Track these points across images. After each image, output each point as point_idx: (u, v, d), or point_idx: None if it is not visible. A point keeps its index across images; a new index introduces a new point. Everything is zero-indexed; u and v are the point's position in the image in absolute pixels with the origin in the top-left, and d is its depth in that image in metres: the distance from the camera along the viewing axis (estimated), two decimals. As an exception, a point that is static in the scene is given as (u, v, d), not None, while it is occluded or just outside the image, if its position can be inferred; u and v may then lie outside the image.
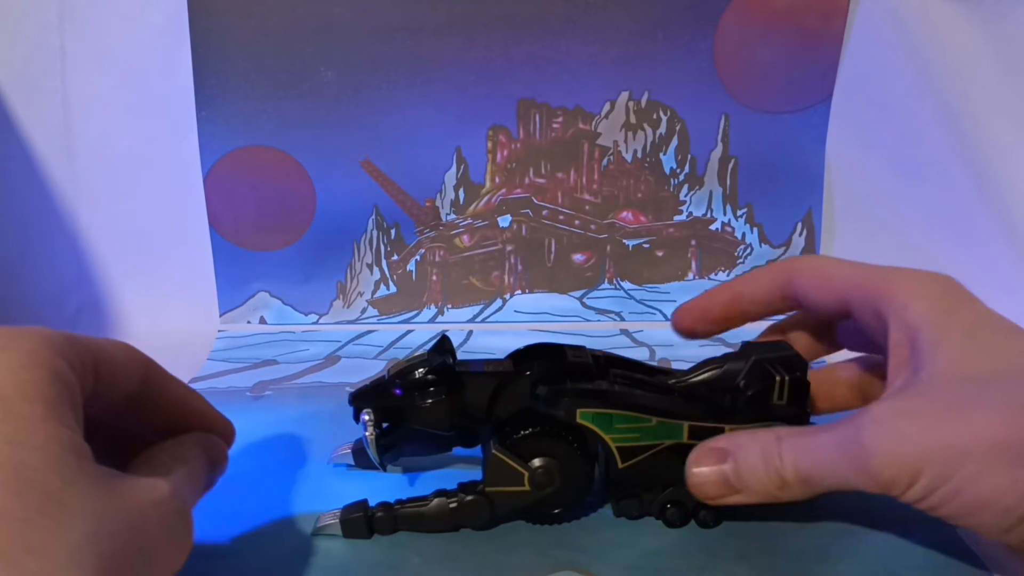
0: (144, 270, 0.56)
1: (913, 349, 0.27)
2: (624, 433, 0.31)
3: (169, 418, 0.28)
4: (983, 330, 0.27)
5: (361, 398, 0.32)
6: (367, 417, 0.31)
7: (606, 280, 0.59)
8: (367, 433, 0.31)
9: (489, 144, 0.56)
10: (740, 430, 0.30)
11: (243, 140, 0.54)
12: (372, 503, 0.32)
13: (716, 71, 0.55)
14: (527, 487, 0.31)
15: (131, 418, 0.28)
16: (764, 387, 0.31)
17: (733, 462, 0.28)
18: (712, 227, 0.58)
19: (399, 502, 0.31)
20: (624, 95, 0.56)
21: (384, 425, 0.32)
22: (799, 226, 0.58)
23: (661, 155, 0.57)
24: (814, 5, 0.53)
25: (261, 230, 0.56)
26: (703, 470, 0.29)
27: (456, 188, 0.57)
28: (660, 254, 0.59)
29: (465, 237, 0.58)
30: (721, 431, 0.30)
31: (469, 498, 0.31)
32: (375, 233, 0.57)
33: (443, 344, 0.33)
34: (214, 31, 0.52)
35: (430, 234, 0.58)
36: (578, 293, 0.59)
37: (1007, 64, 0.50)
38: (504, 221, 0.58)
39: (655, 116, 0.56)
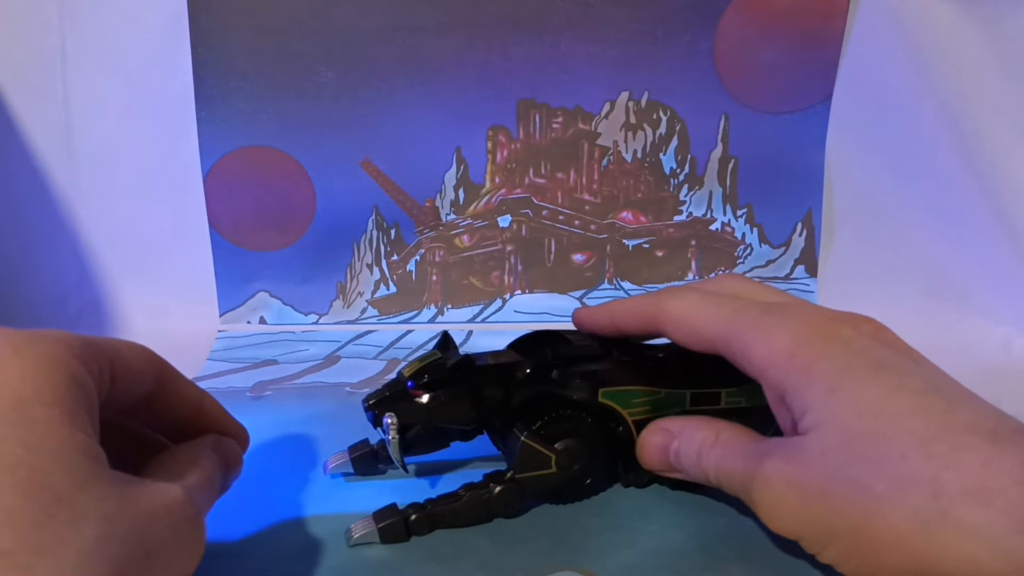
0: (144, 270, 0.56)
1: (784, 404, 0.27)
2: (639, 407, 0.33)
3: (183, 419, 0.28)
4: (842, 384, 0.25)
5: (383, 403, 0.31)
6: (391, 421, 0.31)
7: (606, 280, 0.59)
8: (391, 437, 0.31)
9: (489, 144, 0.56)
10: (734, 394, 0.33)
11: (243, 140, 0.54)
12: (385, 505, 0.32)
13: (716, 71, 0.55)
14: (554, 469, 0.32)
15: (145, 419, 0.28)
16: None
17: (676, 445, 0.31)
18: (712, 227, 0.58)
19: (429, 501, 0.31)
20: (624, 95, 0.56)
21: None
22: (799, 226, 0.58)
23: (661, 155, 0.57)
24: (814, 5, 0.53)
25: (261, 230, 0.56)
26: (653, 441, 0.32)
27: (456, 188, 0.57)
28: (660, 254, 0.59)
29: (465, 237, 0.58)
30: (717, 395, 0.33)
31: (500, 488, 0.31)
32: (375, 233, 0.57)
33: (447, 341, 0.33)
34: (214, 31, 0.52)
35: (430, 234, 0.58)
36: (578, 293, 0.59)
37: (1007, 64, 0.50)
38: (504, 221, 0.58)
39: (655, 116, 0.56)
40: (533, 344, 0.34)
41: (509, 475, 0.32)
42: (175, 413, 0.28)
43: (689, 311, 0.30)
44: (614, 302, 0.34)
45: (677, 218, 0.58)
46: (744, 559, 0.30)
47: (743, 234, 0.58)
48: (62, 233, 0.56)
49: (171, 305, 0.56)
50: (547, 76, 0.55)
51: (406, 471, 0.33)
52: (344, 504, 0.33)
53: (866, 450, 0.24)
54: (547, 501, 0.33)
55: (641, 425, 0.33)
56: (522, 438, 0.31)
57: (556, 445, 0.32)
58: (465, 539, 0.31)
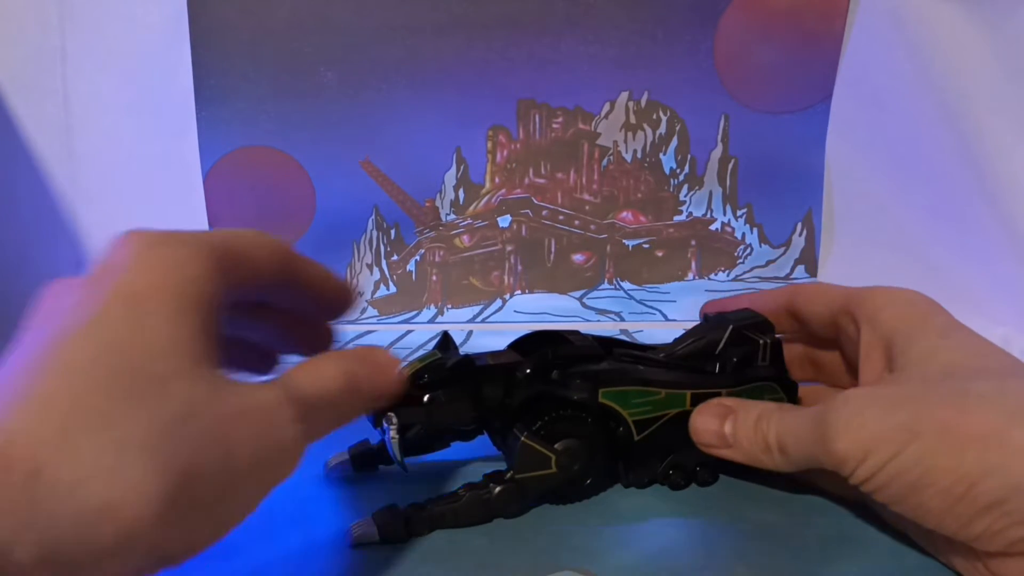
0: (144, 270, 0.56)
1: (887, 349, 0.31)
2: (639, 407, 0.33)
3: (314, 299, 0.29)
4: (954, 332, 0.30)
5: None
6: (391, 421, 0.30)
7: (606, 280, 0.59)
8: (391, 437, 0.31)
9: (489, 144, 0.56)
10: (735, 394, 0.33)
11: (243, 140, 0.54)
12: (384, 505, 0.31)
13: (716, 71, 0.55)
14: (554, 469, 0.32)
15: (279, 305, 0.29)
16: (750, 351, 0.34)
17: (732, 419, 0.31)
18: (712, 227, 0.58)
19: (429, 501, 0.31)
20: (624, 95, 0.56)
21: None
22: (799, 226, 0.58)
23: (661, 155, 0.57)
24: (814, 5, 0.53)
25: (261, 230, 0.56)
26: (707, 419, 0.32)
27: (456, 188, 0.57)
28: (660, 254, 0.59)
29: (465, 237, 0.58)
30: (718, 396, 0.33)
31: (500, 488, 0.31)
32: (375, 233, 0.57)
33: (447, 341, 0.33)
34: (214, 31, 0.52)
35: (430, 234, 0.58)
36: (578, 293, 0.59)
37: (1007, 64, 0.50)
38: (504, 221, 0.58)
39: (655, 116, 0.56)
40: (533, 344, 0.34)
41: (509, 475, 0.32)
42: (304, 291, 0.28)
43: (823, 284, 0.38)
44: (743, 295, 0.37)
45: (677, 218, 0.58)
46: (744, 559, 0.30)
47: (743, 234, 0.58)
48: (62, 233, 0.55)
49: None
50: (547, 76, 0.55)
51: (406, 471, 0.33)
52: (343, 504, 0.33)
53: (971, 370, 0.27)
54: (547, 501, 0.33)
55: (641, 425, 0.33)
56: (522, 438, 0.31)
57: (556, 445, 0.32)
58: (465, 539, 0.31)
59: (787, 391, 0.34)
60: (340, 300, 0.30)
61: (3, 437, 0.18)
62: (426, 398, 0.31)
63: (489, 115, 0.56)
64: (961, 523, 0.25)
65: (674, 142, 0.57)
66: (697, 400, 0.33)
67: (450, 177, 0.57)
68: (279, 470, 0.23)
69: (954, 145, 0.52)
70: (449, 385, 0.31)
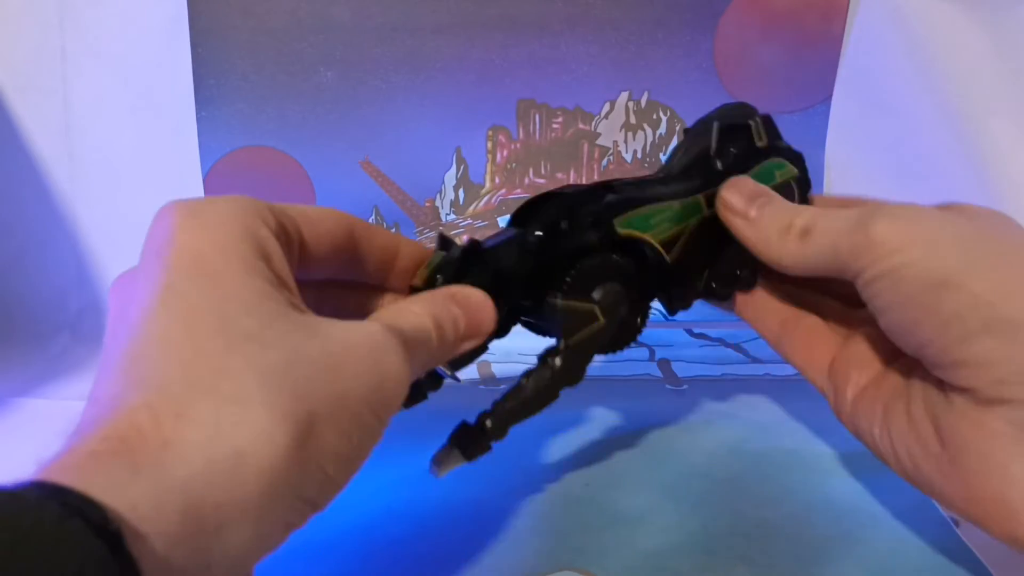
0: (144, 270, 0.56)
1: None
2: (659, 226, 0.31)
3: (385, 267, 0.28)
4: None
5: None
6: None
7: (606, 280, 0.59)
8: None
9: (489, 144, 0.56)
10: None
11: (243, 140, 0.54)
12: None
13: (716, 71, 0.55)
14: (602, 320, 0.30)
15: (351, 275, 0.28)
16: (746, 136, 0.32)
17: (765, 195, 0.30)
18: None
19: (496, 404, 0.30)
20: (624, 95, 0.56)
21: None
22: (799, 226, 0.58)
23: (661, 155, 0.57)
24: (814, 5, 0.53)
25: (261, 230, 0.56)
26: (735, 191, 0.30)
27: (456, 188, 0.57)
28: (660, 254, 0.59)
29: (465, 237, 0.58)
30: None
31: (559, 360, 0.30)
32: (375, 233, 0.57)
33: (445, 241, 0.31)
34: (214, 31, 0.52)
35: (430, 234, 0.58)
36: (578, 293, 0.59)
37: (1007, 64, 0.50)
38: (504, 221, 0.58)
39: (655, 116, 0.56)
40: (531, 213, 0.31)
41: (562, 345, 0.30)
42: (374, 258, 0.28)
43: None
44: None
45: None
46: (744, 559, 0.30)
47: (743, 234, 0.58)
48: (62, 233, 0.55)
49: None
50: (547, 76, 0.55)
51: (458, 380, 0.30)
52: (412, 442, 0.31)
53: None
54: (605, 352, 0.32)
55: (668, 245, 0.31)
56: (559, 303, 0.30)
57: (594, 295, 0.30)
58: (465, 539, 0.31)
59: (792, 159, 0.33)
60: (410, 266, 0.29)
61: (127, 417, 0.18)
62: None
63: (489, 115, 0.56)
64: (962, 336, 0.24)
65: (674, 142, 0.57)
66: (711, 200, 0.32)
67: (450, 177, 0.57)
68: (393, 400, 0.23)
69: (954, 145, 0.52)
70: (465, 275, 0.29)
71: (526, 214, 0.31)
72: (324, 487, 0.21)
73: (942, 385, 0.26)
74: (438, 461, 0.29)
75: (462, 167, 0.57)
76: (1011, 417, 0.24)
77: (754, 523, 0.32)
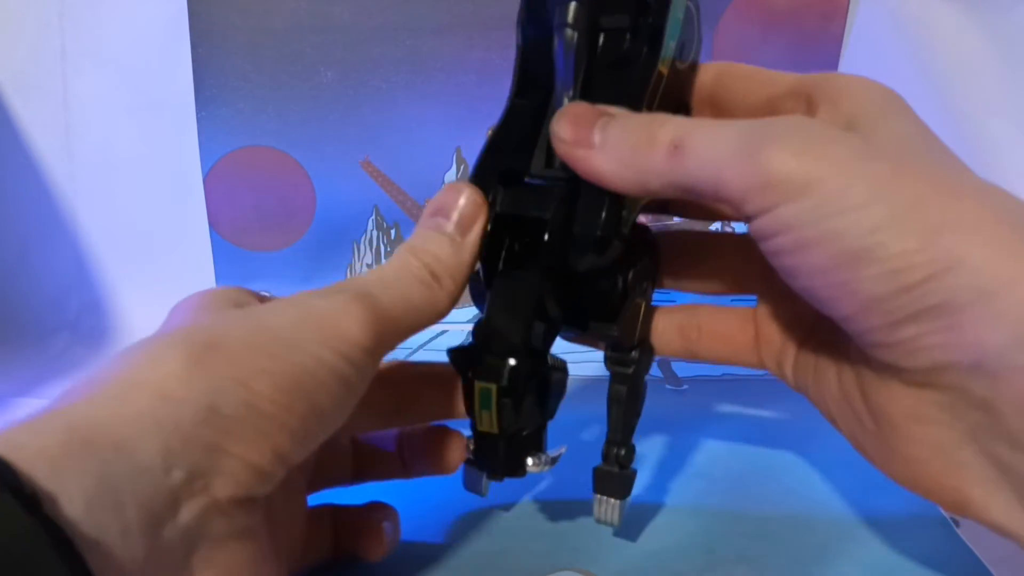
0: (144, 270, 0.56)
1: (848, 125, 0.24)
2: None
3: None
4: (927, 131, 0.24)
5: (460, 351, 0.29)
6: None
7: (606, 280, 0.59)
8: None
9: (489, 144, 0.56)
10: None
11: (243, 140, 0.54)
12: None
13: (716, 71, 0.55)
14: (644, 301, 0.28)
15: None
16: (615, 36, 0.26)
17: (605, 114, 0.24)
18: (712, 227, 0.58)
19: (610, 434, 0.30)
20: (624, 95, 0.56)
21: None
22: (799, 226, 0.58)
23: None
24: (814, 5, 0.53)
25: (261, 230, 0.56)
26: (564, 121, 0.25)
27: (456, 188, 0.57)
28: (660, 254, 0.59)
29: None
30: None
31: (641, 355, 0.29)
32: (375, 233, 0.57)
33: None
34: (214, 31, 0.52)
35: (430, 234, 0.58)
36: (578, 293, 0.59)
37: (1007, 64, 0.50)
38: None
39: (655, 116, 0.56)
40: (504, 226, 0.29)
41: (638, 348, 0.28)
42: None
43: (757, 68, 0.30)
44: None
45: (677, 218, 0.58)
46: (744, 559, 0.30)
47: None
48: (62, 233, 0.55)
49: (171, 305, 0.56)
50: (547, 76, 0.55)
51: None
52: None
53: (953, 159, 0.24)
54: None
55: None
56: (638, 301, 0.28)
57: (630, 293, 0.28)
58: (465, 540, 0.31)
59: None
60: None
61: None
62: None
63: (489, 115, 0.55)
64: (888, 320, 0.20)
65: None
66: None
67: (450, 177, 0.57)
68: (338, 343, 0.23)
69: (954, 145, 0.52)
70: (492, 351, 0.27)
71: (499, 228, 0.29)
72: (255, 407, 0.20)
73: (868, 358, 0.22)
74: (602, 518, 0.29)
75: (462, 167, 0.57)
76: (943, 403, 0.21)
77: (754, 523, 0.32)
